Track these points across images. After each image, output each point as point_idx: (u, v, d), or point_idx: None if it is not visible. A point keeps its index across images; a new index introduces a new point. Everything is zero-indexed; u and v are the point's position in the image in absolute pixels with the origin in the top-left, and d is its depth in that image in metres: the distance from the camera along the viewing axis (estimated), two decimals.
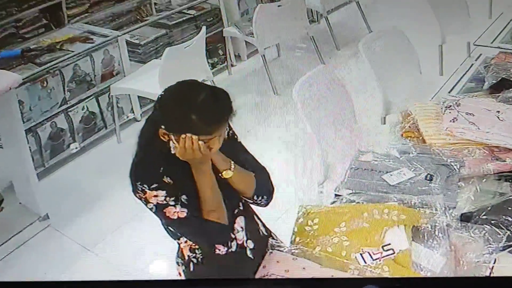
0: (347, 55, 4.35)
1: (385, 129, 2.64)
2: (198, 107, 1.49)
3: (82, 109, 3.59)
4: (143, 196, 1.59)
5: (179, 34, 4.15)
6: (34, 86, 3.30)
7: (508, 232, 1.75)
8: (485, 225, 1.79)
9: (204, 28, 3.61)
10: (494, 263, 1.69)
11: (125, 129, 3.74)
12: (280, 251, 1.78)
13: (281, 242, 1.83)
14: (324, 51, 4.32)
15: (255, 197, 1.73)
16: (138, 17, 4.14)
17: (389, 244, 1.76)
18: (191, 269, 1.73)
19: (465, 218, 1.86)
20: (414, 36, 3.13)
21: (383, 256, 1.72)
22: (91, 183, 3.25)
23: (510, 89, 2.47)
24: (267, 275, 1.71)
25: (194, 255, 1.72)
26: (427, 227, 1.81)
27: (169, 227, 1.68)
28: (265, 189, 1.74)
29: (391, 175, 2.07)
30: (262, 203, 1.76)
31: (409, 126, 2.35)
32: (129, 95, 3.78)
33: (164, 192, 1.58)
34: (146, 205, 1.61)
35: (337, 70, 3.00)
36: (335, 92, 2.62)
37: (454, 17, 3.61)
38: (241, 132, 1.76)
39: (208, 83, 3.50)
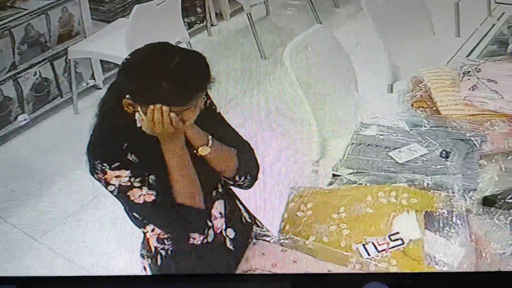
0: (347, 14, 4.43)
1: (392, 98, 2.68)
2: (170, 73, 1.51)
3: (34, 75, 3.58)
4: (103, 177, 1.60)
5: None
6: None
7: None
8: (511, 210, 1.79)
9: None
10: None
11: (84, 98, 3.74)
12: (267, 241, 1.78)
13: (268, 231, 1.82)
14: (321, 9, 4.38)
15: (236, 178, 1.74)
16: None
17: (398, 232, 1.75)
18: (159, 262, 1.72)
19: (488, 202, 1.86)
20: None
21: (390, 247, 1.72)
22: (42, 161, 3.22)
23: None
24: (250, 269, 1.70)
25: (162, 246, 1.71)
26: (443, 213, 1.81)
27: (134, 213, 1.67)
28: (248, 168, 1.75)
29: (399, 151, 2.08)
30: (245, 185, 1.77)
31: (421, 95, 2.35)
32: (89, 59, 3.78)
33: (128, 172, 1.58)
34: (106, 187, 1.61)
35: (336, 31, 3.16)
36: (333, 56, 2.65)
37: None
38: (221, 102, 1.78)
39: (184, 45, 3.57)
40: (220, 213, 1.73)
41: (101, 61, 3.80)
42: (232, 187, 1.79)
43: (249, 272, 1.70)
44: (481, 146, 2.08)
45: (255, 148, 1.78)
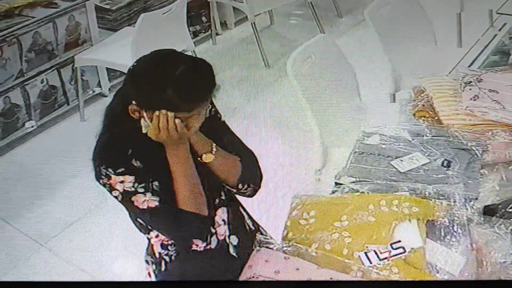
0: (350, 23, 4.46)
1: (395, 107, 2.63)
2: (175, 80, 1.50)
3: (41, 82, 3.59)
4: (108, 182, 1.58)
5: None
6: None
7: None
8: None
9: None
10: None
11: (90, 106, 3.75)
12: (270, 248, 1.76)
13: (271, 238, 1.82)
14: (324, 18, 4.44)
15: (240, 186, 1.73)
16: None
17: (399, 241, 1.74)
18: (163, 268, 1.72)
19: (489, 211, 1.84)
20: (428, 2, 3.19)
21: (392, 256, 1.71)
22: (48, 167, 3.22)
23: None
24: (253, 276, 1.69)
25: (166, 252, 1.71)
26: (444, 222, 1.80)
27: (138, 219, 1.66)
28: (252, 176, 1.74)
29: (401, 160, 2.07)
30: (248, 193, 1.76)
31: (423, 105, 2.34)
32: (96, 66, 3.82)
33: (132, 177, 1.57)
34: (111, 192, 1.60)
35: (339, 40, 3.17)
36: (336, 65, 2.65)
37: None
38: (226, 110, 1.79)
39: (189, 53, 3.43)
40: (223, 220, 1.71)
41: (107, 69, 3.82)
42: (235, 195, 1.77)
43: (252, 279, 1.69)
44: (482, 155, 2.06)
45: (259, 156, 1.78)
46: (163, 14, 3.48)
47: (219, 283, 1.72)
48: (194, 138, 1.62)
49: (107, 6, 3.95)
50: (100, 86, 3.88)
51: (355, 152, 2.12)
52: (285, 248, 1.76)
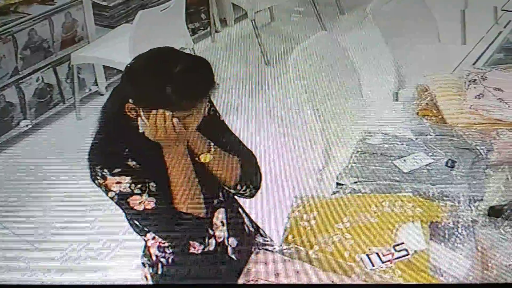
0: (352, 20, 4.45)
1: (398, 106, 2.66)
2: (173, 78, 1.50)
3: (37, 81, 3.61)
4: (103, 183, 1.58)
5: None
6: None
7: None
8: None
9: None
10: None
11: (87, 104, 3.77)
12: (270, 250, 1.76)
13: (271, 240, 1.81)
14: (326, 15, 4.45)
15: (238, 186, 1.72)
16: None
17: (402, 243, 1.73)
18: (160, 271, 1.71)
19: (494, 212, 1.84)
20: None
21: (395, 258, 1.70)
22: (43, 167, 3.22)
23: None
24: (252, 279, 1.68)
25: (163, 254, 1.70)
26: (448, 223, 1.79)
27: (134, 221, 1.66)
28: (251, 177, 1.74)
29: (404, 160, 2.07)
30: (247, 194, 1.76)
31: (426, 103, 2.34)
32: (92, 64, 3.82)
33: (129, 178, 1.57)
34: (106, 194, 1.60)
35: (340, 38, 3.02)
36: (338, 63, 2.64)
37: None
38: (225, 109, 1.80)
39: (187, 51, 3.54)
40: (222, 222, 1.71)
41: (104, 67, 3.83)
42: (234, 196, 1.77)
43: (251, 282, 1.68)
44: (487, 155, 2.06)
45: (259, 156, 1.77)
46: (161, 11, 3.48)
47: (217, 286, 1.72)
48: (192, 138, 1.62)
49: (105, 3, 3.96)
50: (97, 84, 3.89)
51: (357, 151, 2.12)
52: (285, 251, 1.75)
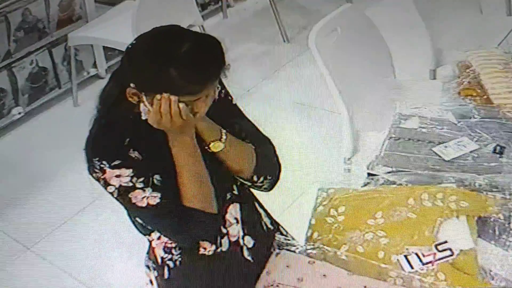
0: None
1: (436, 85, 2.60)
2: (179, 59, 1.49)
3: (30, 64, 3.62)
4: (102, 177, 1.58)
5: None
6: None
7: None
8: None
9: None
10: None
11: (85, 89, 3.78)
12: (292, 251, 1.77)
13: (293, 239, 1.83)
14: None
15: (254, 178, 1.73)
16: None
17: (446, 242, 1.72)
18: (166, 275, 1.72)
19: None
20: None
21: (437, 259, 1.69)
22: (37, 160, 3.27)
23: None
24: (272, 284, 1.69)
25: (170, 256, 1.71)
26: (499, 218, 1.78)
27: (137, 218, 1.67)
28: (268, 167, 1.76)
29: (445, 147, 2.07)
30: (264, 186, 1.77)
31: (469, 82, 2.34)
32: (91, 45, 3.86)
33: (130, 170, 1.57)
34: (105, 188, 1.60)
35: (368, 10, 3.07)
36: (365, 39, 2.65)
37: None
38: (239, 91, 1.85)
39: (196, 29, 3.59)
40: (236, 218, 1.72)
41: (104, 48, 3.87)
42: (250, 189, 1.79)
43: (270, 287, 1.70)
44: None
45: (277, 144, 1.78)
46: None
47: None
48: (201, 125, 1.62)
49: None
50: (96, 67, 3.91)
51: (391, 137, 2.14)
52: (309, 251, 1.76)
